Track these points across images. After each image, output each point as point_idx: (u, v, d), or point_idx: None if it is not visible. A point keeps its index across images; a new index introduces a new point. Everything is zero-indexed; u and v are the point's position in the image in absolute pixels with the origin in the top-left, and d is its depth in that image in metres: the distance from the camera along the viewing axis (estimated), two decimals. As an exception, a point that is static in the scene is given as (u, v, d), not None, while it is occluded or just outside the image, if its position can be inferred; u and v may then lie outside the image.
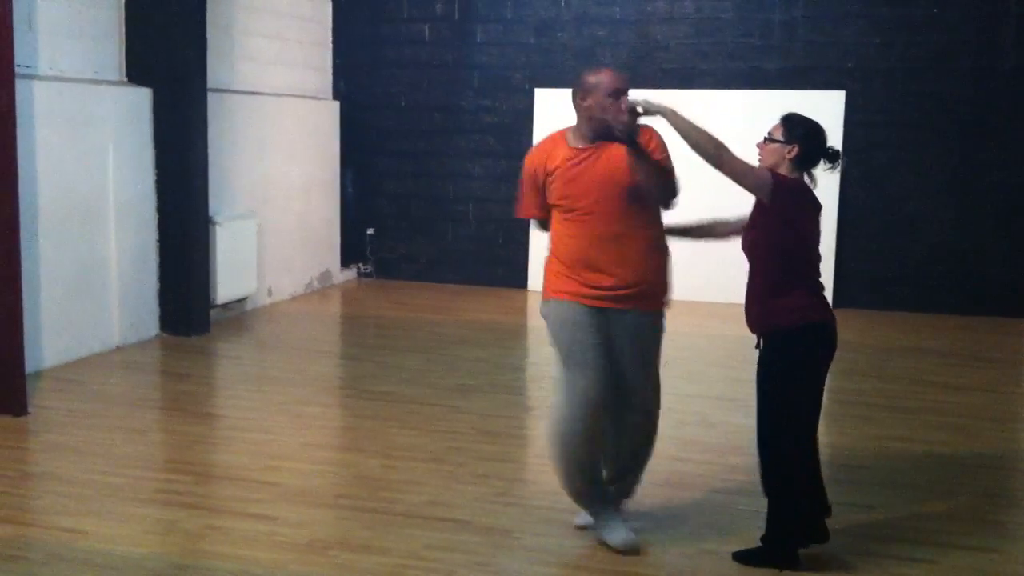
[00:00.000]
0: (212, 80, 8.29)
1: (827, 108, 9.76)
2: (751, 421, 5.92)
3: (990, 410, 6.66)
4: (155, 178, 7.88)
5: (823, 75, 9.85)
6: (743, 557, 4.20)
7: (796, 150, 4.12)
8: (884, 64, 9.77)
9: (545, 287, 4.34)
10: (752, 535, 4.45)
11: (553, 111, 10.26)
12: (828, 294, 10.22)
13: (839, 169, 4.27)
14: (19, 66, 6.37)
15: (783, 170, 4.14)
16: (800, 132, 4.13)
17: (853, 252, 9.96)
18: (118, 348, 7.61)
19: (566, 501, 4.74)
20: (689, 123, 4.01)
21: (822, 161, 4.19)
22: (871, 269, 9.97)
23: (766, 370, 4.20)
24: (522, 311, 9.73)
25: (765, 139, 4.22)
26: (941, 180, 9.78)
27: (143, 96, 7.76)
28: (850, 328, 9.00)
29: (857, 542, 4.42)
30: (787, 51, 9.94)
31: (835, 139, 9.63)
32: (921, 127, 9.76)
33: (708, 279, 9.82)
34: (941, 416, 6.42)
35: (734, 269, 10.53)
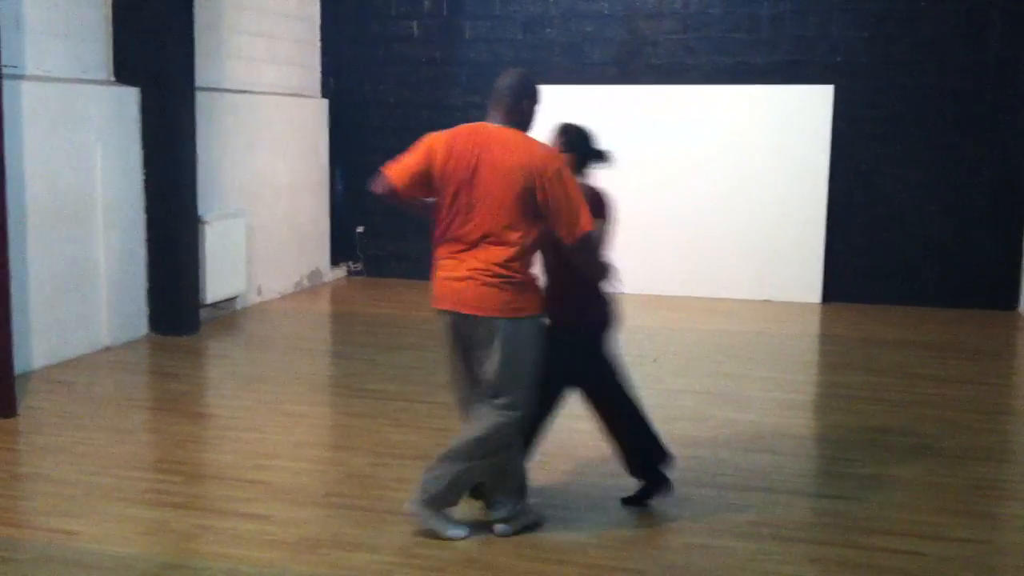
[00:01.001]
0: (200, 79, 8.27)
1: (815, 102, 9.80)
2: (741, 416, 5.96)
3: (979, 402, 6.68)
4: (143, 177, 7.87)
5: (811, 69, 9.87)
6: (633, 500, 4.72)
7: (571, 157, 4.50)
8: (871, 58, 9.80)
9: (534, 304, 4.27)
10: (743, 530, 4.47)
11: (543, 107, 10.27)
12: (817, 287, 10.28)
13: (612, 164, 4.62)
14: (6, 66, 6.35)
15: None
16: (576, 141, 4.57)
17: (842, 246, 9.98)
18: (107, 348, 7.60)
19: (555, 496, 4.76)
20: None
21: (594, 162, 4.60)
22: (859, 263, 10.00)
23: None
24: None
25: None
26: (929, 173, 9.81)
27: (131, 96, 7.74)
28: (839, 322, 9.05)
29: (846, 534, 4.43)
30: (774, 45, 9.96)
31: (823, 134, 9.75)
32: (909, 120, 9.79)
33: (695, 274, 9.85)
34: (930, 409, 6.44)
35: (720, 264, 10.59)
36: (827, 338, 8.57)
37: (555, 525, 4.49)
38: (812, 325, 9.00)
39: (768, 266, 9.94)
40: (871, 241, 9.98)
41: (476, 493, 4.51)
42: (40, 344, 6.95)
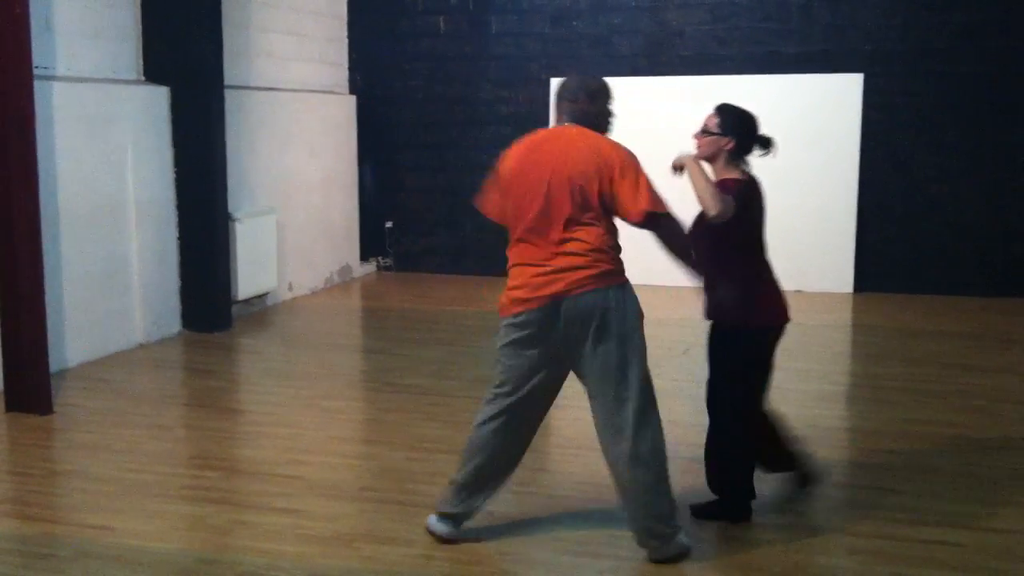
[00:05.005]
0: (229, 77, 8.31)
1: (846, 91, 9.73)
2: (775, 407, 5.91)
3: (1016, 392, 6.61)
4: (174, 176, 7.92)
5: (842, 58, 9.80)
6: (700, 511, 4.44)
7: (732, 143, 4.29)
8: (903, 45, 9.70)
9: (621, 270, 4.10)
10: (778, 522, 4.45)
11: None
12: (849, 277, 10.18)
13: (773, 154, 4.40)
14: (37, 67, 6.40)
15: (720, 161, 4.31)
16: (734, 124, 4.31)
17: (874, 235, 9.90)
18: (141, 346, 7.66)
19: (589, 490, 4.75)
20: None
21: (756, 149, 4.36)
22: (892, 252, 9.92)
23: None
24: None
25: (702, 131, 4.36)
26: (962, 161, 9.71)
27: (161, 95, 7.79)
28: (873, 312, 8.98)
29: (883, 526, 4.40)
30: (805, 34, 9.89)
31: (854, 122, 9.67)
32: (941, 108, 9.69)
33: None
34: (966, 399, 6.38)
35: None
36: (860, 328, 8.51)
37: (589, 518, 4.48)
38: (845, 315, 8.94)
39: (800, 256, 9.87)
40: (904, 230, 9.89)
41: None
42: (75, 342, 7.01)
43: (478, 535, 4.26)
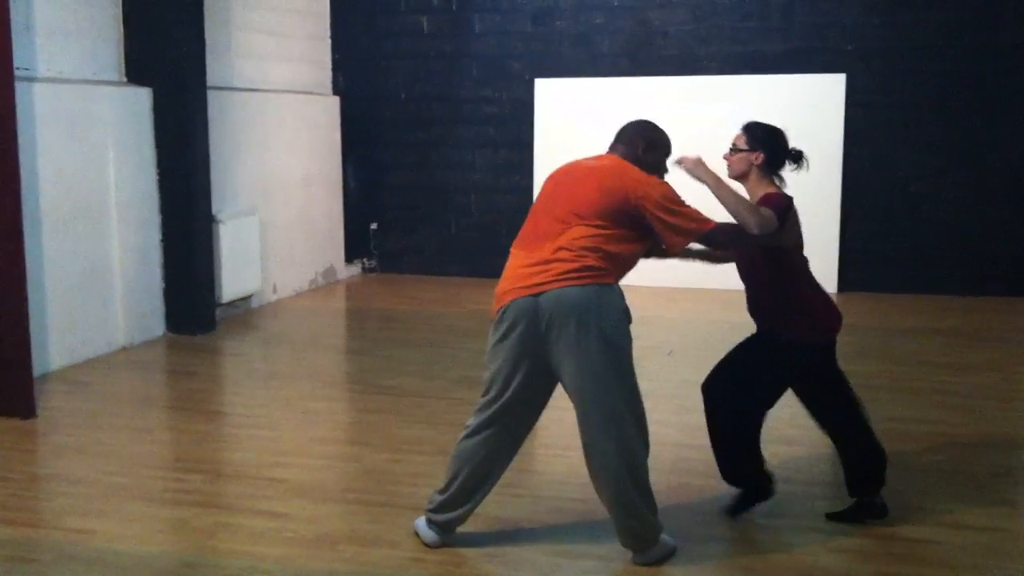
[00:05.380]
0: (211, 78, 8.29)
1: (828, 91, 9.76)
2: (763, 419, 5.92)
3: (997, 390, 6.66)
4: (157, 177, 7.89)
5: (823, 57, 9.83)
6: (838, 516, 4.44)
7: (762, 156, 4.29)
8: (884, 44, 9.75)
9: (610, 271, 4.02)
10: (760, 521, 4.46)
11: (553, 100, 10.27)
12: (832, 276, 10.23)
13: (806, 168, 4.41)
14: (18, 68, 6.37)
15: (752, 177, 4.33)
16: (762, 138, 4.31)
17: (857, 235, 9.94)
18: (124, 348, 7.63)
19: (574, 491, 4.75)
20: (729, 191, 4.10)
21: (787, 163, 4.37)
22: (876, 251, 9.96)
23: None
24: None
25: (731, 150, 4.36)
26: (945, 160, 9.76)
27: (143, 96, 7.76)
28: (855, 310, 9.01)
29: (865, 524, 4.41)
30: (786, 34, 9.92)
31: (837, 122, 9.71)
32: (923, 107, 9.74)
33: (710, 266, 9.81)
34: (948, 396, 6.42)
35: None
36: (843, 327, 8.52)
37: (574, 519, 4.48)
38: (828, 314, 8.95)
39: (783, 256, 9.90)
40: (887, 229, 9.94)
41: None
42: (57, 345, 6.98)
43: (462, 537, 4.26)
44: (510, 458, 4.24)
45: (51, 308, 6.91)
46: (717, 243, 4.14)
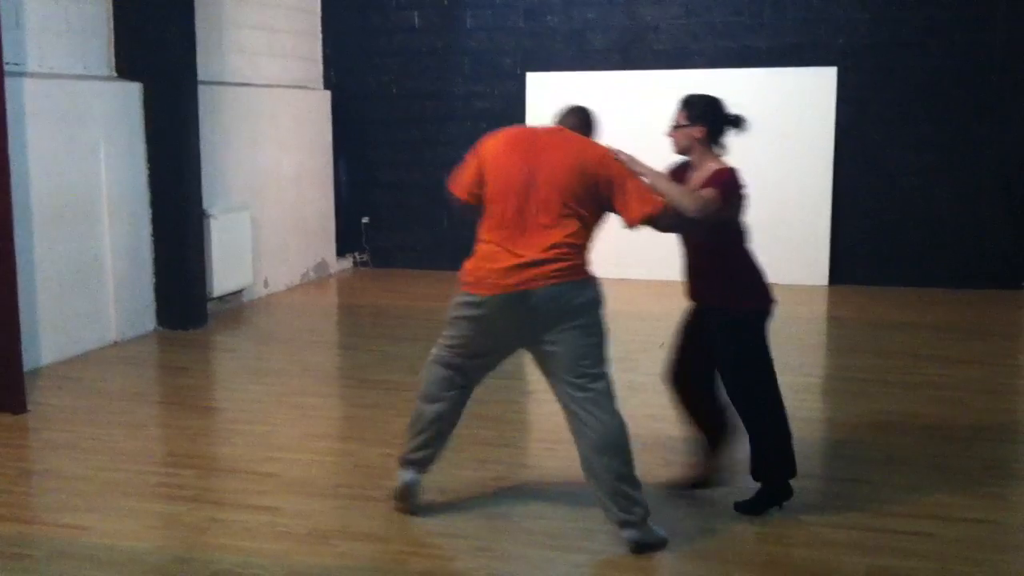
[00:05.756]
0: (202, 73, 8.27)
1: (819, 85, 9.78)
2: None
3: (987, 383, 6.68)
4: (148, 173, 7.87)
5: (814, 52, 9.85)
6: (746, 507, 4.44)
7: (703, 130, 4.35)
8: (875, 39, 9.76)
9: (589, 266, 4.20)
10: (754, 516, 4.46)
11: (545, 95, 10.26)
12: (823, 270, 10.24)
13: (745, 130, 4.45)
14: (8, 64, 6.36)
15: (697, 150, 4.38)
16: (701, 111, 4.37)
17: (848, 229, 9.96)
18: (115, 344, 7.61)
19: (565, 485, 4.76)
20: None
21: (729, 130, 4.43)
22: (866, 245, 9.99)
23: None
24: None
25: (673, 126, 4.43)
26: (935, 154, 9.78)
27: (134, 91, 7.74)
28: (847, 305, 9.03)
29: (856, 517, 4.43)
30: (777, 29, 9.93)
31: (827, 116, 9.73)
32: (913, 102, 9.76)
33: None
34: (938, 390, 6.44)
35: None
36: (834, 321, 8.57)
37: (566, 513, 4.49)
38: (819, 308, 8.99)
39: (775, 249, 9.85)
40: (877, 223, 9.96)
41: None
42: (48, 340, 6.96)
43: (455, 531, 4.27)
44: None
45: (42, 303, 6.89)
46: (661, 226, 4.21)
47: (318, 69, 10.75)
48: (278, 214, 9.80)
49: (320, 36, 10.74)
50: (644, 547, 4.07)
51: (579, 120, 4.36)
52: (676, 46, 10.15)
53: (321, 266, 10.69)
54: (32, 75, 6.87)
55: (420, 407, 4.42)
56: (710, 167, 4.34)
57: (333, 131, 10.81)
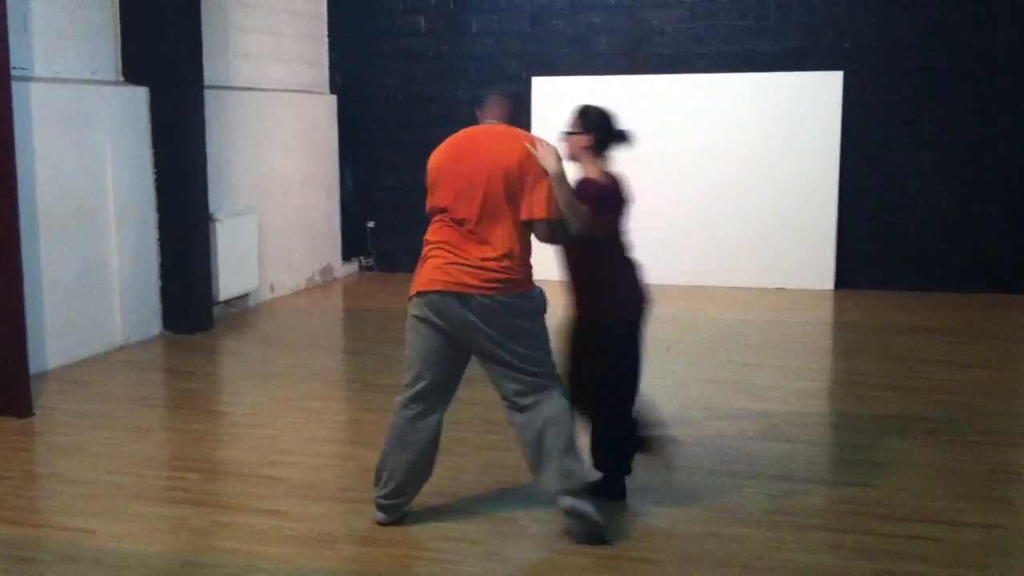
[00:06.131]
0: (208, 77, 8.28)
1: (825, 89, 9.77)
2: (755, 404, 5.95)
3: (994, 387, 6.66)
4: (154, 177, 7.89)
5: (819, 56, 9.84)
6: (592, 491, 4.44)
7: (590, 139, 4.46)
8: (880, 43, 9.76)
9: (531, 275, 4.30)
10: (759, 518, 4.46)
11: (550, 99, 10.27)
12: (829, 274, 10.23)
13: (633, 146, 4.57)
14: (15, 68, 6.37)
15: (584, 158, 4.50)
16: (592, 121, 4.48)
17: (854, 233, 9.95)
18: (121, 348, 7.63)
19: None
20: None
21: (616, 143, 4.53)
22: (872, 250, 9.98)
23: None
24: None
25: (567, 133, 4.54)
26: (940, 158, 9.77)
27: (140, 95, 7.76)
28: (852, 308, 9.02)
29: (863, 521, 4.43)
30: (782, 32, 9.93)
31: (833, 120, 9.72)
32: (918, 105, 9.75)
33: (706, 263, 9.83)
34: (944, 394, 6.42)
35: (732, 253, 10.56)
36: (840, 325, 8.55)
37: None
38: (825, 312, 8.98)
39: (780, 254, 9.92)
40: (883, 227, 9.95)
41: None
42: (54, 344, 6.97)
43: (462, 535, 4.27)
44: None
45: (48, 307, 6.90)
46: (540, 236, 4.23)
47: (324, 73, 10.77)
48: (284, 218, 9.81)
49: (326, 40, 10.76)
50: (578, 515, 4.17)
51: (507, 109, 4.41)
52: (681, 50, 10.15)
53: (327, 270, 10.70)
54: (39, 80, 6.89)
55: (390, 456, 4.35)
56: (586, 176, 4.47)
57: (339, 135, 10.82)
